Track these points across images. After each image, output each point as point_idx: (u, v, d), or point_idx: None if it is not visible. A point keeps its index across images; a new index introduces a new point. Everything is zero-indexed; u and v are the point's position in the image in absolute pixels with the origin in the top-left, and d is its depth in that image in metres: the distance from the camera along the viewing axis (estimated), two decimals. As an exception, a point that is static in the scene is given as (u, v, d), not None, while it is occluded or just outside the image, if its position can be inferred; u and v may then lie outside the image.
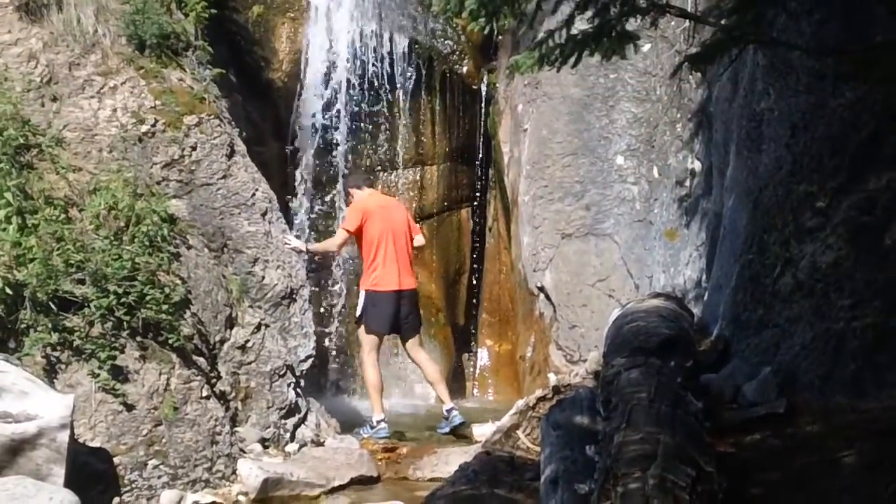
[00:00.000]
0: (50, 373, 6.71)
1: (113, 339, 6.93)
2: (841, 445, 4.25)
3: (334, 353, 10.65)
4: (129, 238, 7.27)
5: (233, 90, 9.83)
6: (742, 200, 6.45)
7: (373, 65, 10.95)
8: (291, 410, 8.05)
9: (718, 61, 5.72)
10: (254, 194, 8.54)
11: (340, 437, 8.27)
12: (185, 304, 7.43)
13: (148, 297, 7.07)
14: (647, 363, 4.72)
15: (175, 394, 7.09)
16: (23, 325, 6.69)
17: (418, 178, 11.42)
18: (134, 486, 6.77)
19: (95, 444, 6.73)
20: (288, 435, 7.96)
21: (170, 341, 7.17)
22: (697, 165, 8.81)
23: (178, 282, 7.43)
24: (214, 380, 7.56)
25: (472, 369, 11.45)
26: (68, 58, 8.04)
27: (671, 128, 9.24)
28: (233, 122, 8.88)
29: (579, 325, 9.55)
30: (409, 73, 11.10)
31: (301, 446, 7.91)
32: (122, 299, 6.96)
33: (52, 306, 6.76)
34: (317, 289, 10.43)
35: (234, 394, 7.71)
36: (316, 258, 10.32)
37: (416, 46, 11.13)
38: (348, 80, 10.86)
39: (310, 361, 8.76)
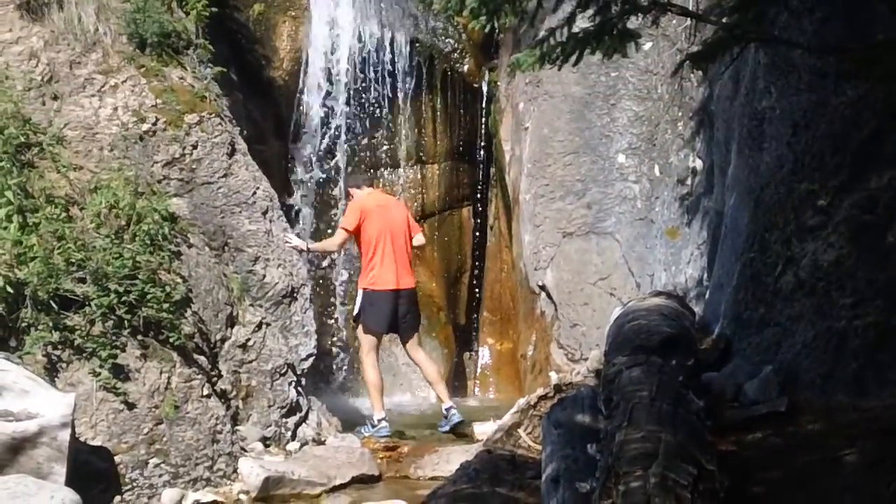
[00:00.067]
0: (51, 371, 6.71)
1: (114, 338, 6.93)
2: (842, 444, 4.24)
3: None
4: (129, 237, 7.27)
5: (234, 88, 9.83)
6: (743, 199, 6.44)
7: (373, 63, 10.94)
8: (292, 409, 8.05)
9: (720, 59, 5.71)
10: (255, 193, 8.54)
11: (342, 436, 8.28)
12: (186, 303, 7.43)
13: (149, 296, 7.07)
14: (649, 362, 4.72)
15: (176, 392, 7.09)
16: (24, 324, 6.69)
17: (419, 176, 11.42)
18: (135, 484, 6.77)
19: (96, 442, 6.73)
20: (289, 433, 7.96)
21: (171, 340, 7.17)
22: (699, 164, 8.80)
23: (179, 280, 7.43)
24: (215, 378, 7.56)
25: (473, 368, 11.45)
26: (69, 56, 8.04)
27: (672, 126, 9.24)
28: (234, 121, 8.88)
29: (580, 324, 9.55)
30: (409, 72, 11.09)
31: (302, 445, 7.92)
32: (123, 298, 6.96)
33: (53, 305, 6.76)
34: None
35: (235, 392, 7.71)
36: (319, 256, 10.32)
37: (417, 45, 11.13)
38: (349, 79, 10.86)
39: (311, 360, 8.76)
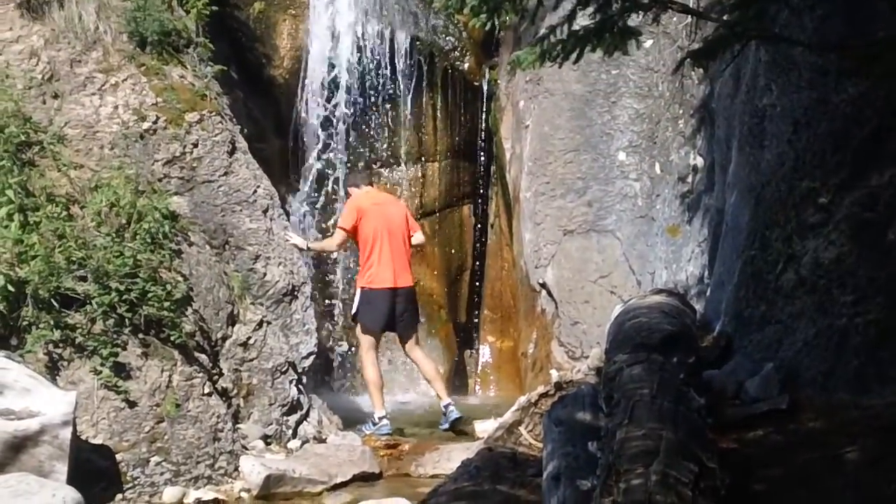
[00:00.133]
0: (52, 370, 6.72)
1: (115, 336, 6.94)
2: (844, 442, 4.24)
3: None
4: (130, 235, 7.27)
5: (234, 87, 9.83)
6: (744, 197, 6.44)
7: (374, 62, 10.94)
8: (293, 407, 8.06)
9: (720, 57, 5.69)
10: (255, 191, 8.54)
11: (342, 434, 8.28)
12: (187, 301, 7.43)
13: (150, 294, 7.07)
14: (650, 359, 4.72)
15: (177, 391, 7.09)
16: (25, 323, 6.70)
17: (420, 174, 11.41)
18: (136, 482, 6.78)
19: (98, 440, 6.74)
20: (290, 432, 7.97)
21: (172, 338, 7.17)
22: (699, 161, 8.80)
23: (180, 279, 7.44)
24: (216, 377, 7.56)
25: (474, 366, 11.44)
26: (69, 55, 8.05)
27: (673, 124, 9.23)
28: (234, 119, 8.89)
29: (581, 322, 9.54)
30: (410, 70, 11.08)
31: (303, 443, 7.92)
32: (124, 296, 6.97)
33: (54, 303, 6.77)
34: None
35: (236, 391, 7.72)
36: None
37: (418, 43, 11.12)
38: (349, 77, 10.85)
39: (312, 358, 8.77)
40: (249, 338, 7.92)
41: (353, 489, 7.24)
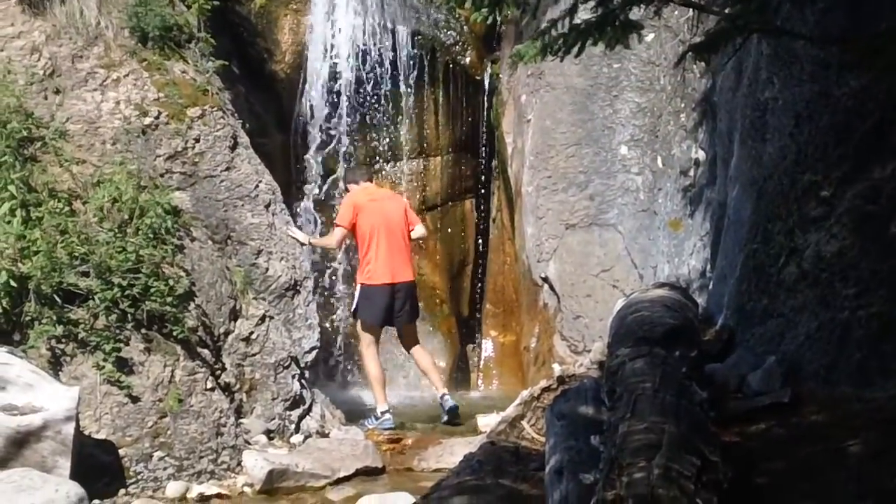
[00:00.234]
0: (55, 365, 6.73)
1: (117, 332, 6.95)
2: (846, 435, 4.24)
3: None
4: (132, 230, 7.28)
5: (236, 82, 9.82)
6: (746, 190, 6.44)
7: (375, 56, 10.93)
8: (296, 402, 8.07)
9: (722, 50, 5.69)
10: (257, 186, 8.55)
11: (345, 429, 8.29)
12: (190, 297, 7.44)
13: (152, 290, 7.08)
14: (652, 353, 4.72)
15: (180, 386, 7.10)
16: (27, 318, 6.70)
17: (422, 169, 11.41)
18: (139, 477, 6.79)
19: (101, 436, 6.75)
20: (293, 426, 7.97)
21: (174, 333, 7.18)
22: (701, 155, 8.78)
23: (183, 274, 7.45)
24: (219, 372, 7.57)
25: (476, 360, 11.45)
26: (71, 50, 8.05)
27: (675, 117, 9.22)
28: (236, 114, 8.89)
29: (583, 316, 9.55)
30: (411, 65, 11.07)
31: (306, 437, 7.93)
32: (127, 291, 6.97)
33: (57, 299, 6.77)
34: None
35: (238, 385, 7.73)
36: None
37: (419, 37, 11.11)
38: (351, 72, 10.85)
39: (314, 353, 8.78)
40: (252, 333, 7.92)
41: (355, 483, 7.25)
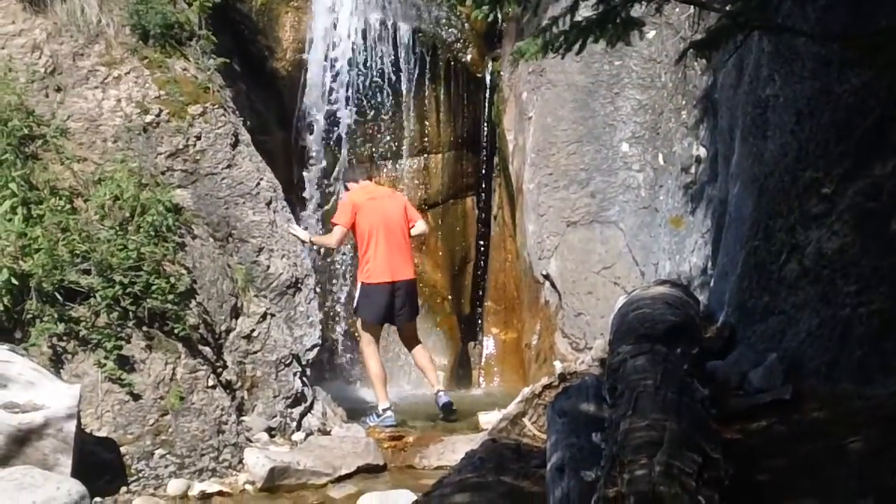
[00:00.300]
0: (56, 363, 6.74)
1: (119, 329, 6.96)
2: (847, 432, 4.24)
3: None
4: (134, 228, 7.28)
5: (237, 79, 9.83)
6: (747, 187, 6.43)
7: (376, 54, 10.92)
8: (297, 399, 8.07)
9: (723, 48, 5.68)
10: (258, 183, 8.55)
11: (347, 426, 8.30)
12: (191, 294, 7.45)
13: (153, 287, 7.09)
14: (653, 350, 4.72)
15: (181, 383, 7.10)
16: (29, 316, 6.71)
17: (423, 166, 11.40)
18: (141, 475, 6.79)
19: (102, 433, 6.75)
20: (294, 424, 7.98)
21: (175, 331, 7.18)
22: (702, 152, 8.78)
23: (184, 271, 7.45)
24: (220, 369, 7.57)
25: (477, 358, 11.44)
26: (72, 48, 8.05)
27: (676, 115, 9.21)
28: (237, 112, 8.89)
29: (585, 313, 9.54)
30: (413, 62, 11.07)
31: (307, 435, 7.93)
32: (128, 289, 6.98)
33: (58, 296, 6.78)
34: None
35: (240, 383, 7.73)
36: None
37: (420, 35, 11.10)
38: (352, 69, 10.84)
39: (315, 350, 8.78)
40: (253, 330, 7.93)
41: (357, 481, 7.25)
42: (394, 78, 10.98)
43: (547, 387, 6.05)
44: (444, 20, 11.30)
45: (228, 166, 8.38)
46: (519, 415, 5.97)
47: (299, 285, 8.64)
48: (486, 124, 11.56)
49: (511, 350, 11.21)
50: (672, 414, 3.90)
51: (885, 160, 5.16)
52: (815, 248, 5.41)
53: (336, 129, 10.87)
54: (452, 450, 7.39)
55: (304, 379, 8.26)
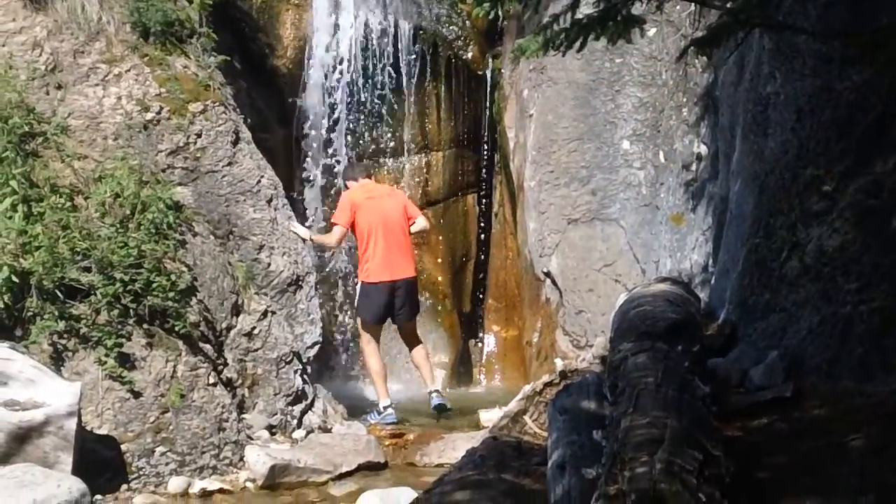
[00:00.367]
0: (57, 360, 6.74)
1: (119, 327, 6.96)
2: (848, 429, 4.24)
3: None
4: (134, 225, 7.28)
5: (237, 77, 9.82)
6: (748, 184, 6.43)
7: (377, 51, 10.91)
8: (298, 397, 8.07)
9: (724, 45, 5.67)
10: (259, 181, 8.55)
11: (348, 424, 8.30)
12: (192, 292, 7.45)
13: (154, 285, 7.09)
14: (654, 348, 4.72)
15: (182, 381, 7.10)
16: (29, 313, 6.71)
17: (424, 164, 11.40)
18: (141, 473, 6.80)
19: (103, 431, 6.76)
20: (295, 421, 7.98)
21: (176, 328, 7.18)
22: (703, 150, 8.77)
23: (185, 269, 7.45)
24: (221, 367, 7.57)
25: (478, 355, 11.44)
26: (73, 46, 8.04)
27: (677, 112, 9.21)
28: (238, 109, 8.89)
29: (586, 311, 9.54)
30: (413, 60, 11.06)
31: (308, 433, 7.93)
32: (129, 287, 6.98)
33: (59, 294, 6.78)
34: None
35: (240, 381, 7.73)
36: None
37: (421, 32, 11.09)
38: (353, 67, 10.83)
39: (316, 348, 8.78)
40: (254, 328, 7.93)
41: (358, 478, 7.26)
42: (394, 75, 10.97)
43: (548, 384, 6.05)
44: (444, 18, 11.30)
45: (229, 164, 8.38)
46: (520, 412, 5.96)
47: (300, 283, 8.64)
48: (486, 122, 11.55)
49: (512, 348, 11.22)
50: (673, 411, 3.90)
51: (886, 157, 5.16)
52: (816, 246, 5.41)
53: (336, 126, 10.86)
54: (453, 447, 7.39)
55: (305, 376, 8.26)
